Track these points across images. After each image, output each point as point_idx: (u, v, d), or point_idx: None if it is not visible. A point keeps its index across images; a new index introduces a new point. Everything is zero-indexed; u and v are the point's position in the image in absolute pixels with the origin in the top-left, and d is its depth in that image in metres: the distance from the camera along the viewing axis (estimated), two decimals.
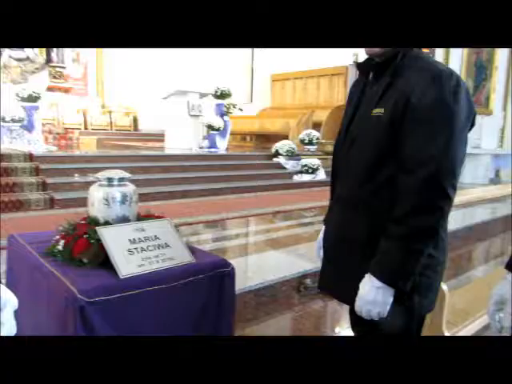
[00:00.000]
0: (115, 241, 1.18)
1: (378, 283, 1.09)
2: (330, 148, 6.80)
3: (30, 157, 5.20)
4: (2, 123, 6.48)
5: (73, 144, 10.11)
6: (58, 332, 1.07)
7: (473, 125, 1.17)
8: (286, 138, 9.06)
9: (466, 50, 9.14)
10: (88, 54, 12.62)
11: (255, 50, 11.94)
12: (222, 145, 8.38)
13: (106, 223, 1.26)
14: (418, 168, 1.06)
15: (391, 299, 1.11)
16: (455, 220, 4.73)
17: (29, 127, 6.73)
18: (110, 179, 1.30)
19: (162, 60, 11.98)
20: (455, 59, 9.02)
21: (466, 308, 2.23)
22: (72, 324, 1.01)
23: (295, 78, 11.28)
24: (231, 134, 9.07)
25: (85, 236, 1.21)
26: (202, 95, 8.47)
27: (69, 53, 12.01)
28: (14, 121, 6.52)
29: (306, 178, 7.37)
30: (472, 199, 6.42)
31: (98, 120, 12.37)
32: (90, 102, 12.46)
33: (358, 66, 1.31)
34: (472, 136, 9.34)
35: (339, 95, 10.15)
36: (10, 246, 1.49)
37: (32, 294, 1.24)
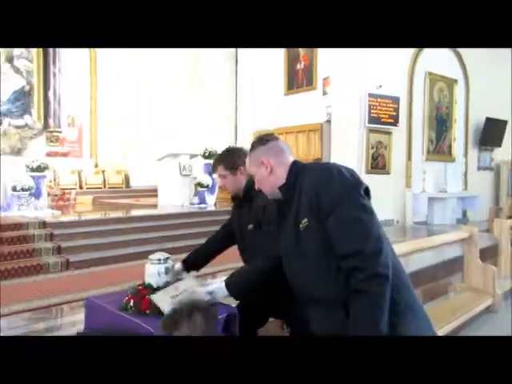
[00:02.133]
0: (162, 300, 1.89)
1: None
2: None
3: (44, 224, 5.89)
4: (12, 192, 7.19)
5: (70, 204, 10.77)
6: None
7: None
8: None
9: (426, 106, 10.25)
10: (82, 117, 13.54)
11: (239, 108, 12.93)
12: (211, 200, 9.16)
13: (158, 287, 1.98)
14: None
15: None
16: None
17: (36, 194, 7.43)
18: (159, 259, 2.05)
19: (152, 122, 12.95)
20: (417, 114, 10.09)
21: None
22: None
23: (276, 133, 12.25)
24: (219, 187, 9.83)
25: (147, 297, 1.92)
26: (192, 156, 9.32)
27: (64, 118, 12.91)
28: (23, 189, 7.23)
29: None
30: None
31: (92, 179, 13.13)
32: (84, 162, 13.26)
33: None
34: (438, 182, 10.29)
35: (316, 149, 11.11)
36: (87, 306, 2.18)
37: None
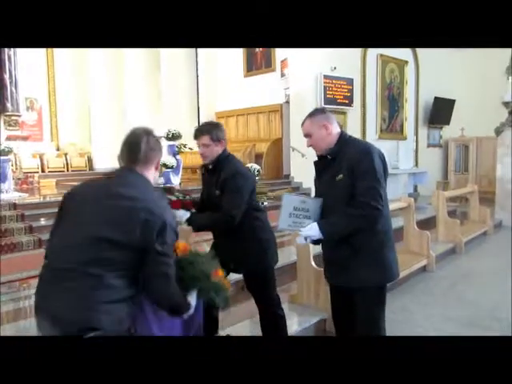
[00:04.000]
0: (283, 214, 2.17)
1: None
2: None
3: (14, 206, 6.09)
4: None
5: (34, 188, 10.77)
6: None
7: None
8: None
9: (379, 87, 10.83)
10: (41, 100, 13.40)
11: (200, 89, 13.12)
12: (176, 180, 9.47)
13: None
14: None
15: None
16: None
17: (2, 178, 7.53)
18: None
19: (113, 104, 12.98)
20: (371, 95, 10.65)
21: None
22: None
23: (238, 114, 12.55)
24: (183, 168, 10.13)
25: None
26: None
27: (23, 101, 12.74)
28: None
29: None
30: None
31: (54, 162, 13.09)
32: (46, 146, 13.19)
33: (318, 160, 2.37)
34: (390, 159, 10.96)
35: (276, 129, 11.51)
36: None
37: None
